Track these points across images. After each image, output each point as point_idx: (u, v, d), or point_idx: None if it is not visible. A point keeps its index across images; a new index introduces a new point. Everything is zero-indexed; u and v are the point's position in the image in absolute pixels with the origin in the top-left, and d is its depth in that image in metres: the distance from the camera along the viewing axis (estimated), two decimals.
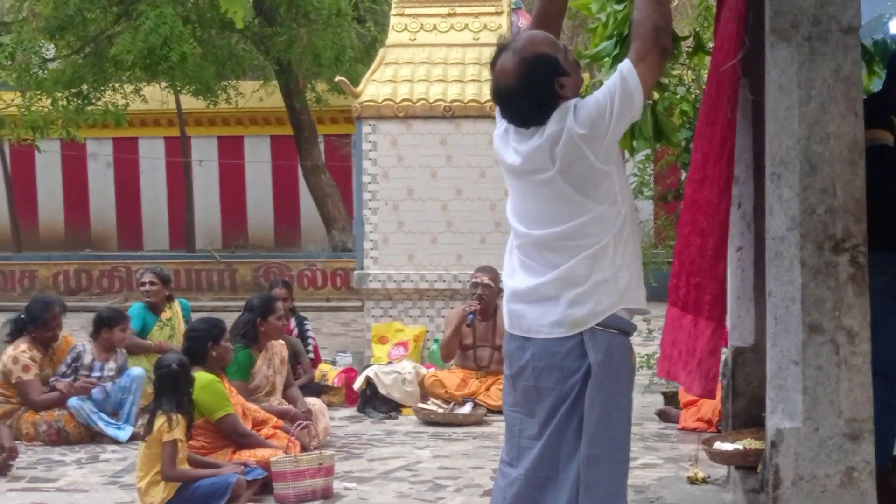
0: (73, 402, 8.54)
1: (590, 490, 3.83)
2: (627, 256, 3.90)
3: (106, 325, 8.95)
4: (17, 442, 8.13)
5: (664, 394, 9.36)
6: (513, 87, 3.88)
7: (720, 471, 6.89)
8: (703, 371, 6.06)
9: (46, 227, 20.45)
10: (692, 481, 6.85)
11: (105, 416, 8.61)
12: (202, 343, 7.26)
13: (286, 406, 8.14)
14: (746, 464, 5.92)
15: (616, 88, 3.77)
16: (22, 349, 8.75)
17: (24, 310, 9.06)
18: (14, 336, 8.92)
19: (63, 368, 8.79)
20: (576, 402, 3.86)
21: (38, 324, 8.81)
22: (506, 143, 4.00)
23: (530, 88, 3.86)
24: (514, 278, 4.01)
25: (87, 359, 8.80)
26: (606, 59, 4.49)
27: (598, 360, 3.83)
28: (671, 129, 5.68)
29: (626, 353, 3.93)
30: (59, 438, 8.55)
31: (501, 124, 4.04)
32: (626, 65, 3.79)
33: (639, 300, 3.95)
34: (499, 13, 11.69)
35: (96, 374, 8.80)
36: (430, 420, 9.11)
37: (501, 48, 3.97)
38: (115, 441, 8.48)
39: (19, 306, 16.08)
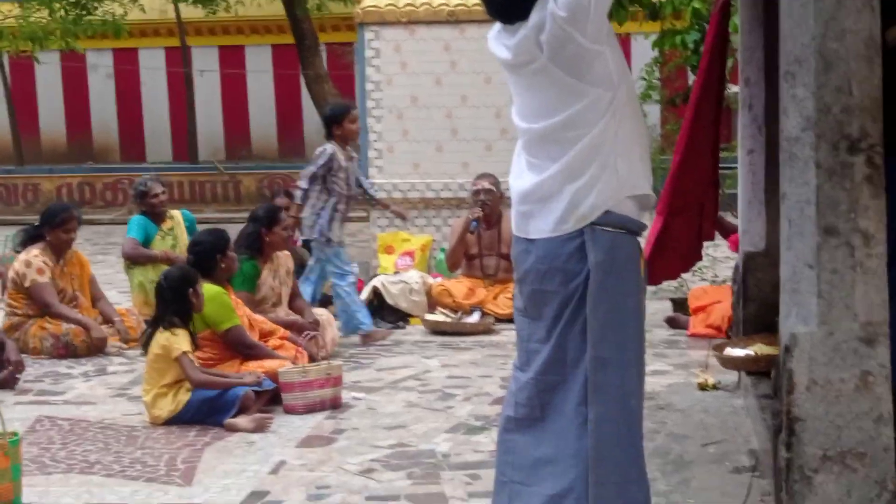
0: None
1: (598, 392, 3.78)
2: (627, 142, 3.81)
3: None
4: (23, 355, 8.11)
5: (673, 300, 9.31)
6: None
7: (731, 377, 6.86)
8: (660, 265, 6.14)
9: (48, 139, 20.32)
10: (702, 388, 6.82)
11: None
12: (210, 255, 7.20)
13: (293, 317, 8.10)
14: (758, 369, 5.89)
15: None
16: (35, 253, 8.70)
17: (39, 216, 8.99)
18: (26, 244, 8.87)
19: None
20: (580, 304, 3.80)
21: (53, 224, 8.74)
22: (498, 41, 3.92)
23: None
24: (521, 179, 3.94)
25: None
26: None
27: (598, 260, 3.77)
28: None
29: (632, 252, 3.85)
30: (66, 352, 8.53)
31: (494, 25, 3.96)
32: None
33: (641, 185, 3.86)
34: None
35: None
36: (437, 329, 9.08)
37: None
38: None
39: (23, 220, 16.10)
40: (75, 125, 20.37)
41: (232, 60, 20.34)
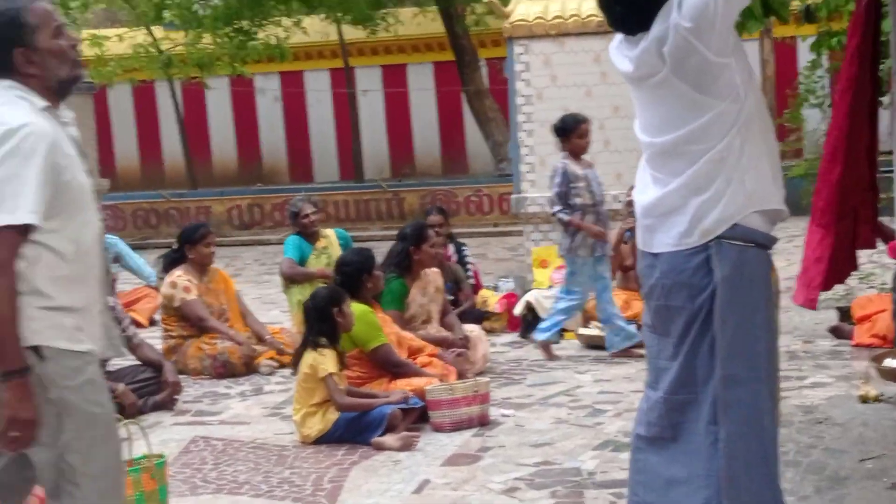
0: None
1: (729, 411, 3.66)
2: (755, 155, 3.69)
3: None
4: (182, 376, 8.30)
5: (838, 309, 9.01)
6: None
7: (894, 389, 6.59)
8: (806, 279, 5.83)
9: (219, 163, 20.84)
10: (863, 400, 6.57)
11: None
12: (356, 274, 7.25)
13: (443, 333, 8.09)
14: None
15: None
16: (178, 274, 8.92)
17: (177, 239, 9.23)
18: (168, 269, 9.09)
19: None
20: (707, 321, 3.70)
21: (193, 240, 8.95)
22: (619, 52, 3.86)
23: None
24: (645, 193, 3.86)
25: None
26: None
27: (725, 274, 3.65)
28: (779, 3, 5.37)
29: (760, 266, 3.72)
30: (224, 371, 8.68)
31: (616, 36, 3.89)
32: None
33: (771, 200, 3.73)
34: None
35: None
36: (591, 344, 8.96)
37: None
38: None
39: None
40: (245, 148, 20.84)
41: (394, 79, 20.55)
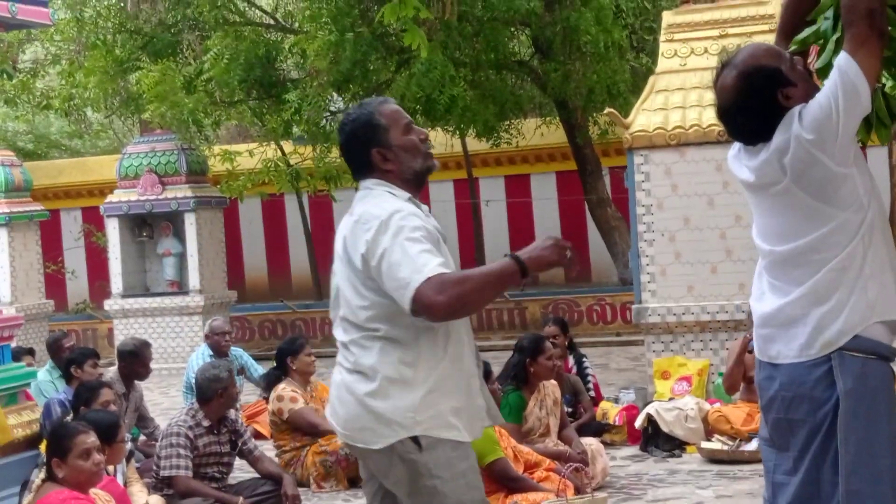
0: None
1: None
2: (878, 265, 3.66)
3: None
4: (302, 489, 8.35)
5: None
6: (733, 103, 3.79)
7: None
8: None
9: None
10: None
11: None
12: None
13: (561, 447, 8.03)
14: None
15: (837, 84, 3.56)
16: (282, 387, 9.02)
17: (276, 355, 9.33)
18: (271, 387, 9.22)
19: None
20: (829, 434, 3.64)
21: (293, 353, 9.07)
22: (738, 161, 3.87)
23: (751, 103, 3.74)
24: (762, 302, 3.84)
25: None
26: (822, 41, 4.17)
27: (848, 388, 3.59)
28: None
29: (884, 379, 3.66)
30: (347, 464, 8.69)
31: (734, 144, 3.91)
32: (843, 57, 3.57)
33: (894, 310, 3.68)
34: (772, 31, 11.25)
35: None
36: (714, 458, 8.79)
37: (723, 65, 3.84)
38: None
39: (319, 353, 16.70)
40: None
41: (517, 188, 20.68)
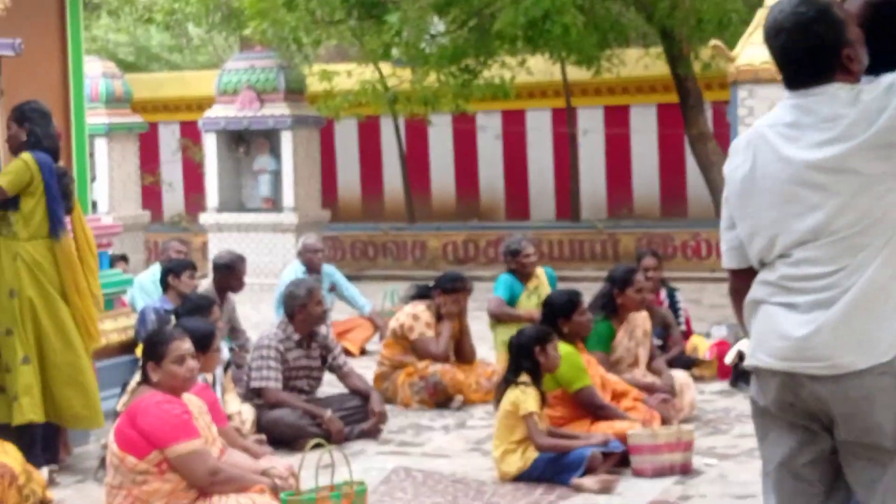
0: None
1: None
2: None
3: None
4: (389, 406, 8.43)
5: None
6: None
7: None
8: None
9: (438, 198, 21.09)
10: None
11: None
12: (562, 314, 7.26)
13: (650, 379, 7.99)
14: None
15: None
16: (421, 309, 9.04)
17: (435, 280, 9.33)
18: (413, 299, 9.25)
19: None
20: None
21: (446, 291, 9.06)
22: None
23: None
24: None
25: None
26: None
27: None
28: None
29: None
30: (436, 392, 8.76)
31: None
32: None
33: None
34: None
35: None
36: None
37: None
38: None
39: (410, 275, 16.80)
40: (464, 184, 21.05)
41: (616, 120, 20.44)
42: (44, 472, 6.62)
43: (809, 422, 3.46)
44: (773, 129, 3.44)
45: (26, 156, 6.96)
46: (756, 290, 3.48)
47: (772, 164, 3.41)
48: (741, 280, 3.52)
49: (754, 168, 3.44)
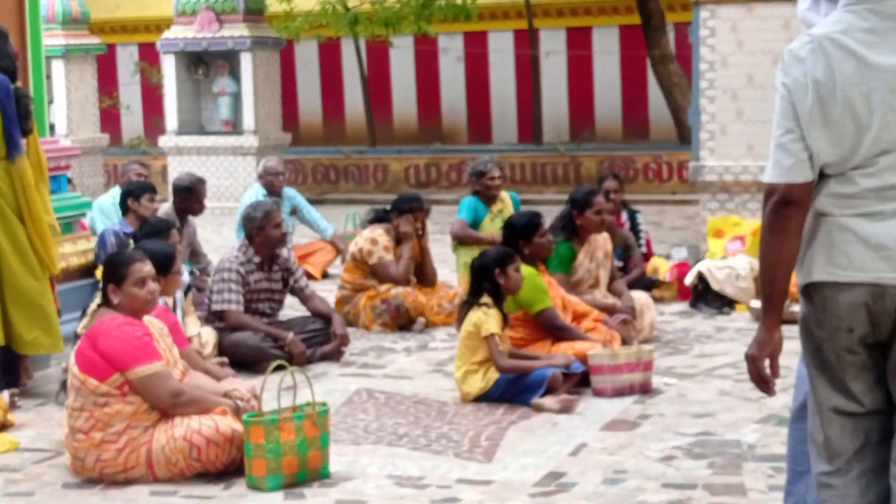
0: None
1: None
2: None
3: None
4: (351, 329, 8.44)
5: None
6: None
7: None
8: None
9: (400, 121, 21.00)
10: None
11: None
12: (522, 236, 7.26)
13: (610, 300, 8.03)
14: None
15: None
16: (380, 233, 9.00)
17: (392, 202, 9.28)
18: (371, 224, 9.21)
19: None
20: None
21: (402, 212, 9.01)
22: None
23: None
24: None
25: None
26: None
27: None
28: None
29: None
30: (398, 314, 8.77)
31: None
32: None
33: None
34: None
35: None
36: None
37: None
38: None
39: (372, 199, 16.77)
40: (426, 107, 20.96)
41: (579, 42, 20.36)
42: (4, 396, 6.60)
43: (864, 351, 3.43)
44: (849, 35, 3.34)
45: None
46: (822, 204, 3.40)
47: (855, 72, 3.32)
48: (802, 193, 3.38)
49: (831, 76, 3.34)
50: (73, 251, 8.29)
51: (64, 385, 6.24)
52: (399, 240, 9.03)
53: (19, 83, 7.19)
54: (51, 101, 16.18)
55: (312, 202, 12.87)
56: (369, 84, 20.21)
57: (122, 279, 5.47)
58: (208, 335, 7.59)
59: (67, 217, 8.23)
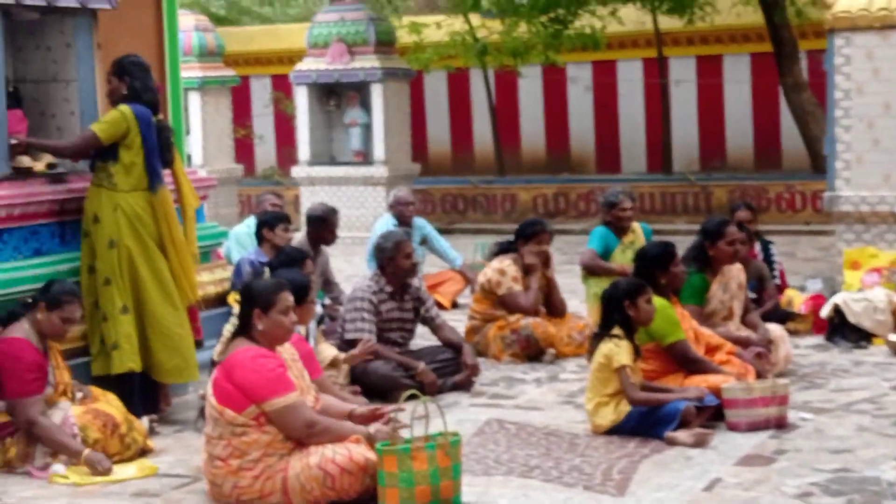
0: None
1: None
2: None
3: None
4: (481, 359, 8.46)
5: None
6: None
7: None
8: None
9: (528, 150, 21.00)
10: None
11: None
12: (654, 267, 7.21)
13: (744, 332, 7.92)
14: None
15: None
16: (508, 263, 9.02)
17: (516, 230, 9.30)
18: (497, 255, 9.22)
19: None
20: None
21: (526, 237, 9.03)
22: None
23: None
24: None
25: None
26: None
27: None
28: None
29: None
30: (528, 345, 8.77)
31: None
32: None
33: None
34: None
35: None
36: None
37: None
38: None
39: (499, 229, 16.78)
40: (554, 137, 20.94)
41: (709, 70, 20.18)
42: (144, 422, 6.76)
43: None
44: None
45: (124, 107, 7.07)
46: None
47: None
48: None
49: None
50: (209, 280, 8.46)
51: (202, 412, 6.36)
52: (527, 270, 9.03)
53: (160, 115, 7.39)
54: (187, 133, 16.56)
55: (441, 232, 12.94)
56: (498, 114, 20.28)
57: (270, 306, 5.57)
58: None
59: (204, 246, 8.41)
